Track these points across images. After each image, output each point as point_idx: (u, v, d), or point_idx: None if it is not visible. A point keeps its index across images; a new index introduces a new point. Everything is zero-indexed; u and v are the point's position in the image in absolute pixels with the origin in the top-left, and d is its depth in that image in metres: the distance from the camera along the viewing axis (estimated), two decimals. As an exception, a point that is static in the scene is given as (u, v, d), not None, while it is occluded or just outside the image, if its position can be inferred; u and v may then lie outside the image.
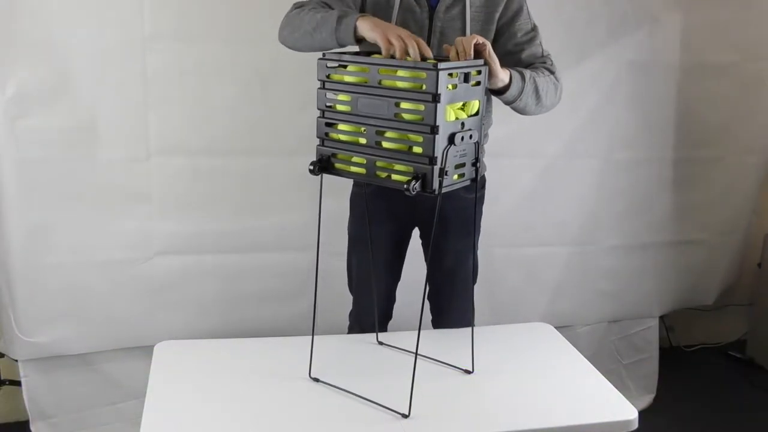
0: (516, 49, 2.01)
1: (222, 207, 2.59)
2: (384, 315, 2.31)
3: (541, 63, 2.01)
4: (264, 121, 2.55)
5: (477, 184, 1.82)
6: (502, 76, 1.81)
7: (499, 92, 1.87)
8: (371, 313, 2.17)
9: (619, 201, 2.98)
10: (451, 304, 2.25)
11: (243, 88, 2.51)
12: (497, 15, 2.00)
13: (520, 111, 1.96)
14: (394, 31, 1.75)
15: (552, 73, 2.00)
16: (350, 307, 2.37)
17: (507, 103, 1.91)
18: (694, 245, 3.18)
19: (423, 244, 2.27)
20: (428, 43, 1.98)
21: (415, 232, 2.29)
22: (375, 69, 1.70)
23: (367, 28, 1.79)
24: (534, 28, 2.04)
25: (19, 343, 2.51)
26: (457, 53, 1.73)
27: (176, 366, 1.97)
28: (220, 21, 2.44)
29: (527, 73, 1.90)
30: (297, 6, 2.01)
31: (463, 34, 1.96)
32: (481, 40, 1.72)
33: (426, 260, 2.21)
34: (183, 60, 2.44)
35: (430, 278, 2.25)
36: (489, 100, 2.10)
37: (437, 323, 2.30)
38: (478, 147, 1.76)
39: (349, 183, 1.84)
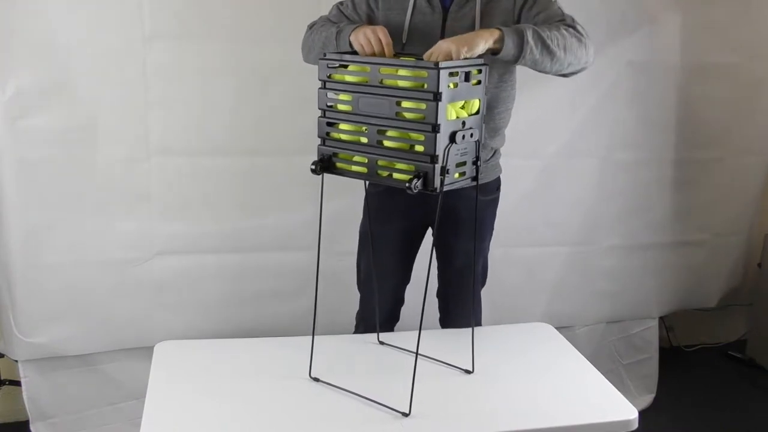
0: (534, 21, 1.95)
1: (222, 207, 2.59)
2: (390, 316, 2.31)
3: (559, 22, 1.93)
4: (264, 121, 2.55)
5: (477, 183, 1.81)
6: (474, 52, 1.75)
7: (495, 53, 1.81)
8: (376, 313, 2.17)
9: (619, 201, 2.98)
10: (458, 304, 2.25)
11: (243, 88, 2.51)
12: (511, 4, 1.98)
13: (538, 70, 1.90)
14: (363, 33, 1.82)
15: (573, 27, 1.90)
16: (353, 307, 2.38)
17: (512, 62, 1.86)
18: (694, 246, 3.18)
19: (435, 244, 2.27)
20: None
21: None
22: (376, 68, 1.71)
23: (353, 40, 1.86)
24: (552, 1, 1.99)
25: (19, 343, 2.51)
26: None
27: (176, 366, 1.98)
28: (220, 21, 2.44)
29: (528, 28, 1.82)
30: (310, 26, 2.06)
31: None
32: (448, 55, 1.71)
33: (437, 260, 2.22)
34: (183, 60, 2.44)
35: (440, 277, 2.26)
36: (510, 98, 2.09)
37: (445, 323, 2.31)
38: (479, 145, 1.76)
39: (352, 182, 1.84)
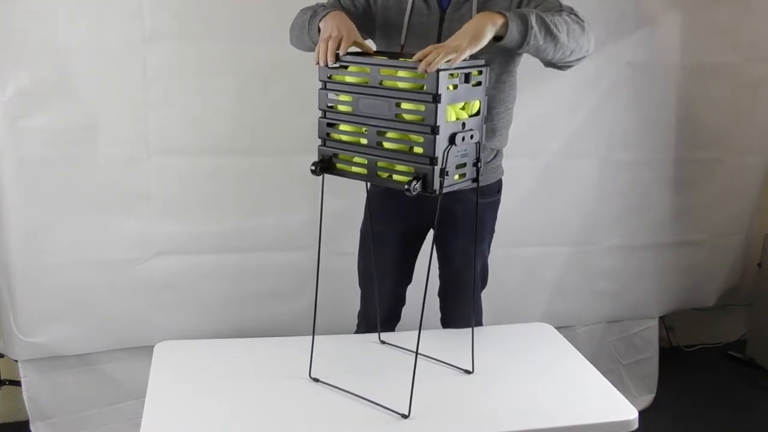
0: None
1: (222, 207, 2.59)
2: (391, 316, 2.31)
3: (557, 12, 1.88)
4: (264, 121, 2.55)
5: (478, 185, 1.81)
6: (480, 45, 1.69)
7: (498, 39, 1.75)
8: (377, 312, 2.17)
9: (619, 201, 2.98)
10: (458, 305, 2.25)
11: (243, 88, 2.51)
12: (507, 3, 1.95)
13: (540, 57, 1.86)
14: (327, 33, 1.78)
15: (574, 14, 1.86)
16: (353, 307, 2.38)
17: (515, 49, 1.80)
18: (693, 246, 3.18)
19: (435, 245, 2.27)
20: None
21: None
22: (376, 69, 1.71)
23: (322, 27, 1.84)
24: None
25: (19, 343, 2.51)
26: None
27: (176, 366, 1.98)
28: (220, 21, 2.44)
29: (532, 13, 1.76)
30: (302, 10, 2.03)
31: None
32: (442, 60, 1.62)
33: (438, 260, 2.22)
34: (183, 60, 2.43)
35: (440, 277, 2.26)
36: (510, 99, 2.09)
37: (446, 322, 2.31)
38: (479, 147, 1.76)
39: (352, 182, 1.85)
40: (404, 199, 1.75)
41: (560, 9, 1.90)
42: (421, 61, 1.63)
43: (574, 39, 1.84)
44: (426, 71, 1.61)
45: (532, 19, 1.76)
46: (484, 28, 1.71)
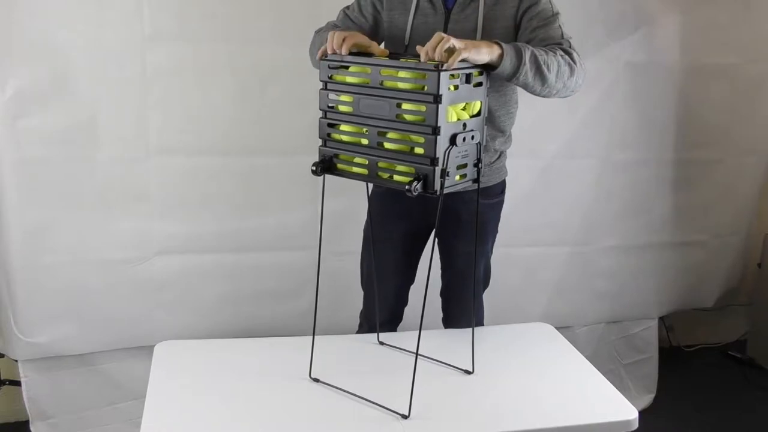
0: (532, 36, 1.92)
1: (222, 207, 2.59)
2: (393, 316, 2.31)
3: (556, 45, 1.90)
4: (264, 121, 2.55)
5: (479, 185, 1.81)
6: (477, 57, 1.72)
7: (492, 68, 1.78)
8: (379, 312, 2.17)
9: (618, 201, 2.99)
10: (459, 305, 2.25)
11: (243, 88, 2.51)
12: (514, 10, 1.96)
13: (526, 89, 1.89)
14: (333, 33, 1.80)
15: (569, 54, 1.89)
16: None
17: (505, 80, 1.84)
18: (693, 246, 3.19)
19: (437, 246, 2.26)
20: None
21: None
22: (377, 70, 1.71)
23: None
24: (554, 15, 1.95)
25: (19, 343, 2.51)
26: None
27: (176, 366, 1.98)
28: (219, 21, 2.44)
29: (527, 49, 1.79)
30: (317, 32, 2.05)
31: (474, 35, 1.95)
32: (446, 46, 1.65)
33: (440, 260, 2.22)
34: (183, 60, 2.43)
35: (442, 278, 2.26)
36: (513, 101, 2.09)
37: (447, 323, 2.31)
38: (480, 147, 1.76)
39: (352, 182, 1.85)
40: (406, 200, 1.75)
41: (560, 41, 1.92)
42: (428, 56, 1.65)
43: (561, 80, 1.86)
44: (434, 58, 1.63)
45: (526, 56, 1.78)
46: (483, 50, 1.73)
